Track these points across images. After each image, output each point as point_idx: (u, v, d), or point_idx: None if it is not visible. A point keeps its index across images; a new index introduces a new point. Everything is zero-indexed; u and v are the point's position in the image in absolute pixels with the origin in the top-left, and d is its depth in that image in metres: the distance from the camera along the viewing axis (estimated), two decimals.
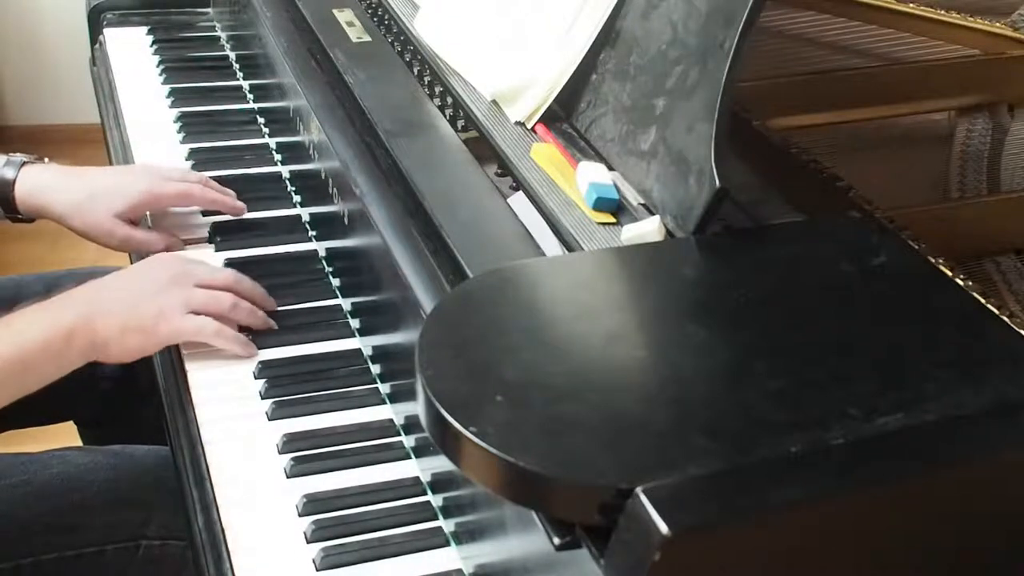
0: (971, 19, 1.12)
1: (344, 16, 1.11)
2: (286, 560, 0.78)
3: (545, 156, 0.85)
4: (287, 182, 1.19)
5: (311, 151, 1.06)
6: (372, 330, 0.95)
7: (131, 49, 1.47)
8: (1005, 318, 0.69)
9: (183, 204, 1.12)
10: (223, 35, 1.49)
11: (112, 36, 1.50)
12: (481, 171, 0.86)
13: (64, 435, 1.35)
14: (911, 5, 1.11)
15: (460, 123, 0.92)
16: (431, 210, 0.81)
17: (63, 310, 0.89)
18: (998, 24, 1.14)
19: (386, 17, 1.10)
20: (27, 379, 0.87)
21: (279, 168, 1.22)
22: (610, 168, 0.82)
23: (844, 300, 0.68)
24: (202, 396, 0.92)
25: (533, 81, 0.89)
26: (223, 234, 1.10)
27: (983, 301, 0.70)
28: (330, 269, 1.05)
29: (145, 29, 1.51)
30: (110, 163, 1.28)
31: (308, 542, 0.80)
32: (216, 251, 1.09)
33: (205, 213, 1.14)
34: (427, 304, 0.77)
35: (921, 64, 1.13)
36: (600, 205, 0.78)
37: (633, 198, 0.79)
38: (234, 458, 0.86)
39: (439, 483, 0.82)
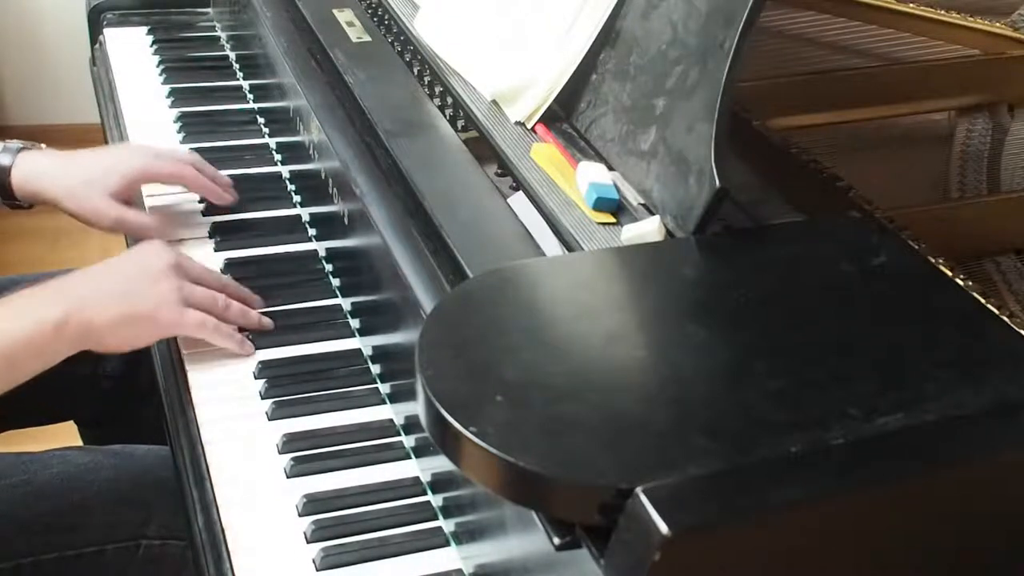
0: (971, 19, 1.12)
1: (344, 16, 1.11)
2: (286, 560, 0.78)
3: (545, 156, 0.85)
4: (287, 182, 1.19)
5: (311, 151, 1.06)
6: (372, 330, 0.95)
7: (131, 49, 1.47)
8: (1005, 318, 0.69)
9: (175, 183, 1.11)
10: (223, 35, 1.49)
11: (112, 36, 1.50)
12: (481, 171, 0.86)
13: (64, 435, 1.35)
14: (911, 5, 1.11)
15: (460, 123, 0.92)
16: (431, 210, 0.82)
17: (51, 302, 0.87)
18: (998, 24, 1.14)
19: (386, 17, 1.10)
20: (13, 373, 0.86)
21: (279, 168, 1.22)
22: (610, 168, 0.82)
23: (844, 300, 0.68)
24: (202, 396, 0.92)
25: (533, 81, 0.89)
26: (223, 234, 1.10)
27: (983, 301, 0.70)
28: (330, 269, 1.05)
29: (145, 29, 1.51)
30: None
31: (308, 542, 0.80)
32: (216, 251, 1.09)
33: (205, 213, 1.14)
34: (427, 304, 0.77)
35: (921, 64, 1.13)
36: (600, 205, 0.78)
37: (633, 198, 0.79)
38: (234, 458, 0.86)
39: (439, 483, 0.82)
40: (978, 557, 0.62)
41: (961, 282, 0.74)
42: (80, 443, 1.36)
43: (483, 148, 0.89)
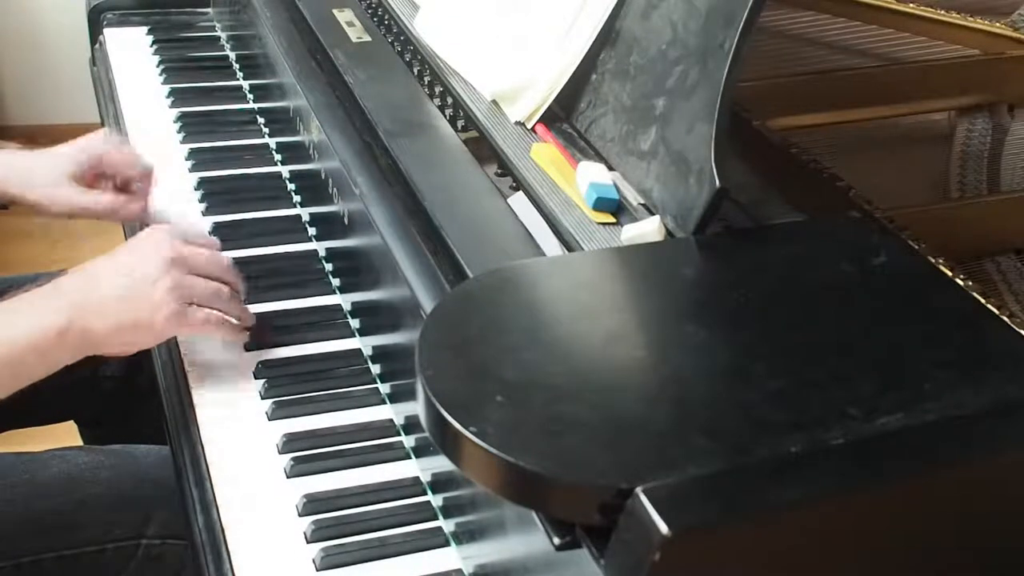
0: (971, 19, 1.12)
1: (344, 16, 1.11)
2: (286, 560, 0.78)
3: (545, 156, 0.85)
4: (287, 182, 1.19)
5: (311, 151, 1.06)
6: (372, 330, 0.95)
7: (131, 49, 1.47)
8: (1005, 318, 0.69)
9: (127, 172, 1.11)
10: (223, 35, 1.49)
11: (112, 36, 1.50)
12: (481, 171, 0.86)
13: (64, 435, 1.35)
14: (911, 5, 1.11)
15: (460, 123, 0.92)
16: (431, 210, 0.82)
17: (55, 308, 0.85)
18: (998, 24, 1.14)
19: (386, 17, 1.10)
20: (15, 379, 0.85)
21: (279, 168, 1.22)
22: (610, 168, 0.82)
23: (844, 300, 0.68)
24: (202, 396, 0.92)
25: (533, 81, 0.89)
26: (223, 234, 1.10)
27: (983, 301, 0.70)
28: (330, 269, 1.05)
29: (145, 29, 1.51)
30: None
31: (308, 542, 0.80)
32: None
33: (205, 213, 1.14)
34: (427, 304, 0.77)
35: (921, 64, 1.13)
36: (600, 205, 0.78)
37: (633, 198, 0.79)
38: (234, 458, 0.86)
39: (439, 483, 0.82)
40: (978, 557, 0.62)
41: (961, 282, 0.74)
42: (80, 443, 1.36)
43: (483, 148, 0.89)
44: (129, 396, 1.24)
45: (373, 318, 0.95)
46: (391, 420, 0.90)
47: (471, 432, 0.54)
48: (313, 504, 0.82)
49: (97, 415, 1.30)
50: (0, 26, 2.71)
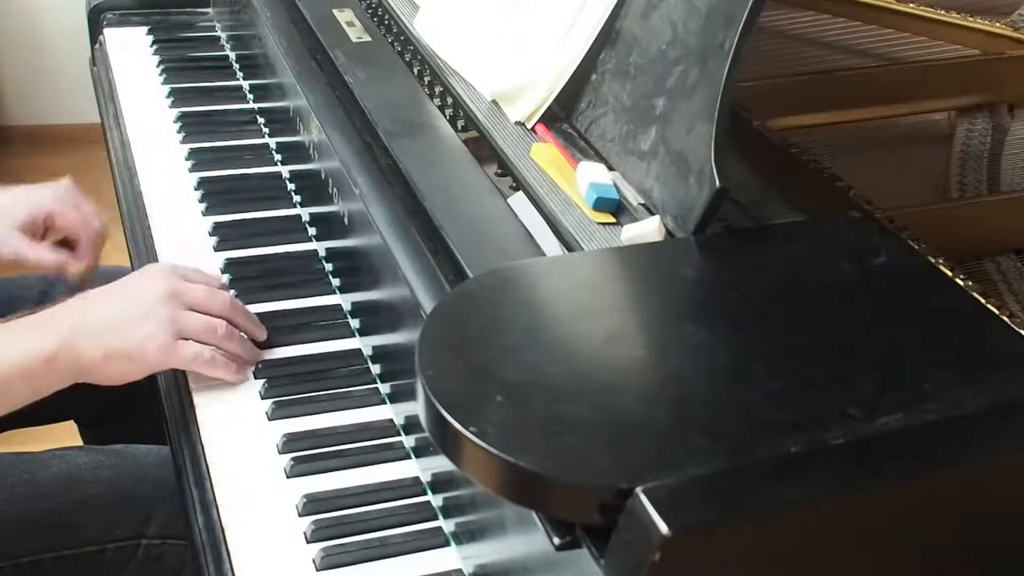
0: (971, 19, 1.12)
1: (344, 16, 1.11)
2: (286, 560, 0.78)
3: (545, 156, 0.85)
4: (287, 182, 1.19)
5: (311, 151, 1.06)
6: (372, 330, 0.95)
7: (131, 49, 1.47)
8: (1005, 318, 0.69)
9: (77, 232, 1.10)
10: (223, 35, 1.49)
11: (112, 36, 1.50)
12: (481, 171, 0.86)
13: (64, 435, 1.35)
14: (911, 5, 1.11)
15: (460, 123, 0.92)
16: (431, 210, 0.82)
17: (44, 334, 0.86)
18: (998, 24, 1.14)
19: (386, 17, 1.10)
20: (10, 400, 0.85)
21: (279, 168, 1.22)
22: (610, 168, 0.82)
23: (844, 300, 0.68)
24: (202, 396, 0.92)
25: (533, 81, 0.89)
26: (223, 234, 1.10)
27: (983, 301, 0.70)
28: (330, 269, 1.05)
29: (145, 29, 1.51)
30: (110, 163, 1.28)
31: (308, 542, 0.80)
32: (216, 251, 1.09)
33: (205, 213, 1.14)
34: (427, 304, 0.77)
35: (921, 64, 1.13)
36: (600, 205, 0.78)
37: (633, 198, 0.79)
38: (234, 458, 0.86)
39: (439, 483, 0.82)
40: (978, 557, 0.62)
41: (961, 282, 0.74)
42: (80, 443, 1.36)
43: (483, 148, 0.89)
44: (129, 396, 1.24)
45: (373, 318, 0.95)
46: (391, 420, 0.90)
47: (471, 432, 0.54)
48: (313, 504, 0.82)
49: (97, 415, 1.30)
50: (0, 26, 2.71)
